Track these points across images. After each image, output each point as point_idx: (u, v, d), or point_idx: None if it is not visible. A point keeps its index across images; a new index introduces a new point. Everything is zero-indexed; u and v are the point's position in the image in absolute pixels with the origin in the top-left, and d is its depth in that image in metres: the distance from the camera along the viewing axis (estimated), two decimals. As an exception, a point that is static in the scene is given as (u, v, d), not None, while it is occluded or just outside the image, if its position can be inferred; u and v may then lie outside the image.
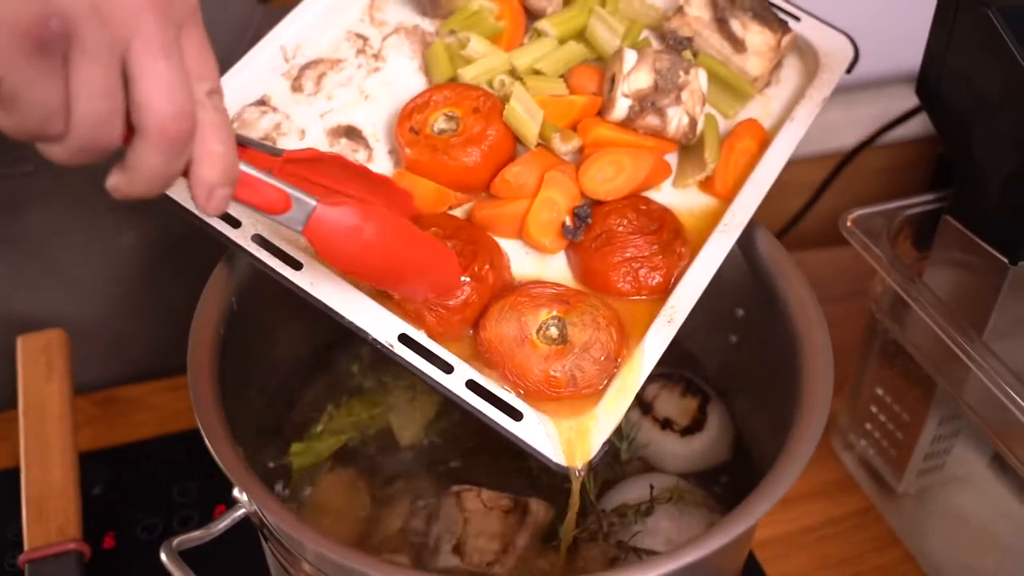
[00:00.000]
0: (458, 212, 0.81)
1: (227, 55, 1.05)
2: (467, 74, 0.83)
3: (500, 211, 0.79)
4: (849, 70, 0.87)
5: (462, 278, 0.73)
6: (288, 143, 0.82)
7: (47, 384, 0.93)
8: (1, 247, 1.02)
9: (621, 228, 0.78)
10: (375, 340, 0.71)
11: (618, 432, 0.85)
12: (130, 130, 0.53)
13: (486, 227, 0.79)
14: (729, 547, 0.64)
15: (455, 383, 0.70)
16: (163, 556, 0.67)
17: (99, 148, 0.52)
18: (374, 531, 0.82)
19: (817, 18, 0.90)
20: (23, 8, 0.48)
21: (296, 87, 0.84)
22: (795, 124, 0.83)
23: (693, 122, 0.81)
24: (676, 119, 0.80)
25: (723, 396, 0.91)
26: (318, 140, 0.82)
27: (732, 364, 0.91)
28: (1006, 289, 0.83)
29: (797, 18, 0.89)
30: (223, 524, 0.70)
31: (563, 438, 0.69)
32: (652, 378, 0.90)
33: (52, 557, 0.83)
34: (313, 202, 0.62)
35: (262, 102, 0.83)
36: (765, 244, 0.83)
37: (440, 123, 0.80)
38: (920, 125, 0.89)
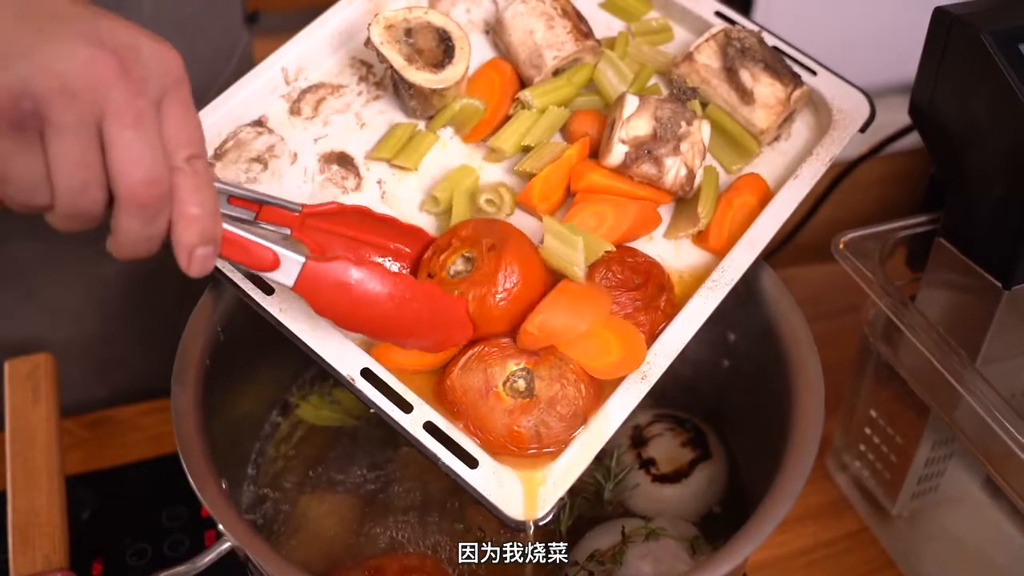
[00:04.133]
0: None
1: (213, 79, 1.05)
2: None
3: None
4: (863, 129, 0.83)
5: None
6: (280, 165, 0.81)
7: (34, 409, 0.92)
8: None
9: (604, 282, 0.75)
10: (337, 372, 0.70)
11: (605, 471, 0.84)
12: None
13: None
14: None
15: (412, 423, 0.68)
16: (145, 593, 0.67)
17: (84, 215, 0.55)
18: (364, 551, 0.81)
19: (835, 73, 0.86)
20: None
21: (294, 110, 0.84)
22: (799, 182, 0.80)
23: (691, 174, 0.78)
24: (673, 170, 0.77)
25: (725, 442, 0.88)
26: (310, 164, 0.81)
27: (725, 389, 0.90)
28: (1000, 313, 0.82)
29: (814, 72, 0.86)
30: (208, 558, 0.69)
31: (517, 491, 0.66)
32: (663, 417, 0.89)
33: (38, 586, 0.82)
34: (302, 259, 0.63)
35: (259, 122, 0.83)
36: (757, 271, 0.81)
37: (457, 265, 0.74)
38: (919, 136, 0.87)
